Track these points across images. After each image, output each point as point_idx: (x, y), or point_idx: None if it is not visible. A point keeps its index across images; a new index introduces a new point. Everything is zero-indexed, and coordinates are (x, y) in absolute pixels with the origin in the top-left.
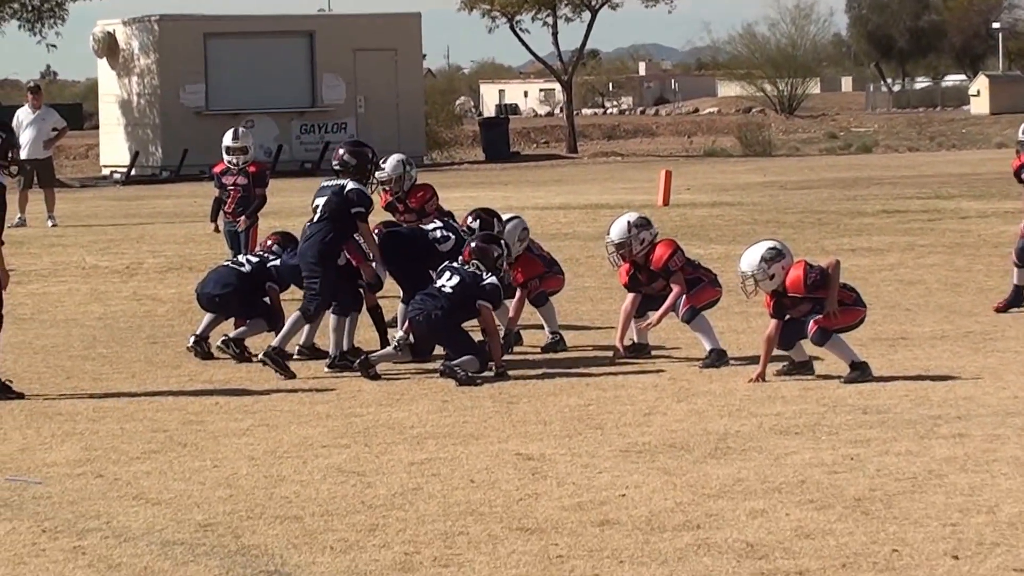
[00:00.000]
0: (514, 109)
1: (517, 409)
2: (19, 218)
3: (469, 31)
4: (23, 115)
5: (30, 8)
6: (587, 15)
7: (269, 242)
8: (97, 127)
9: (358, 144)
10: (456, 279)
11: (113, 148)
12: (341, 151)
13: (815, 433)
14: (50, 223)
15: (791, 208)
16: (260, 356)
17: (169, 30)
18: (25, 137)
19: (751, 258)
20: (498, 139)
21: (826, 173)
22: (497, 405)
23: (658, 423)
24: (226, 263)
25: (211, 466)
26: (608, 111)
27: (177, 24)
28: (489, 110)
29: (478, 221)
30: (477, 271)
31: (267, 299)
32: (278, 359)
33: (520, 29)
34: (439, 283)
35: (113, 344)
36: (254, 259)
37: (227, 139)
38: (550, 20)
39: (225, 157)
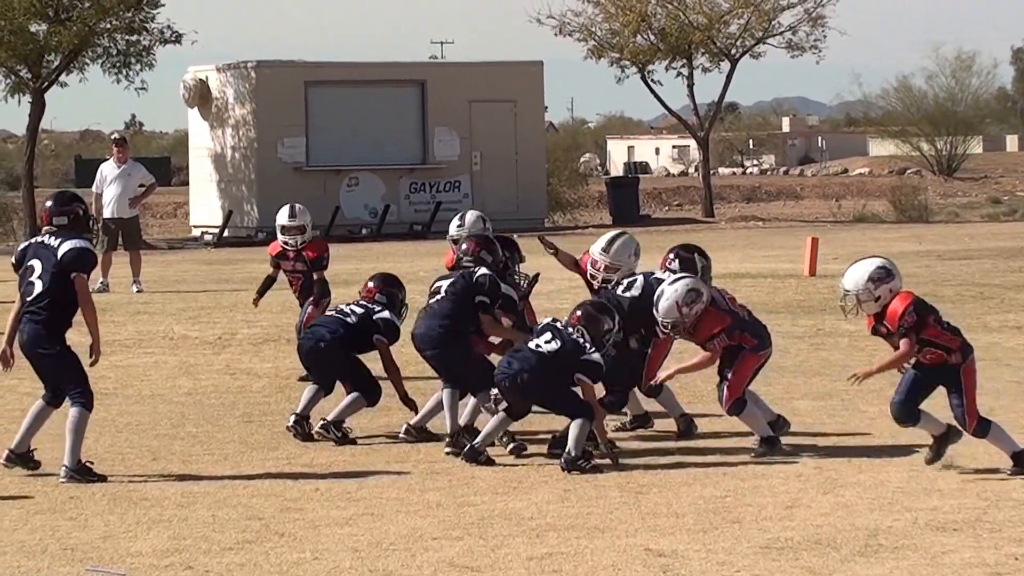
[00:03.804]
0: (644, 167)
1: (646, 500)
2: (101, 283)
3: (595, 81)
4: (107, 170)
5: (115, 52)
6: (726, 65)
7: (371, 286)
8: (186, 183)
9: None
10: (556, 344)
11: (204, 207)
12: (474, 247)
13: (976, 530)
14: (135, 288)
15: (950, 280)
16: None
17: (267, 78)
18: (109, 194)
19: (857, 276)
20: (627, 201)
21: (988, 242)
22: (624, 495)
23: (801, 517)
24: (331, 311)
25: (311, 558)
26: (748, 171)
27: (276, 71)
28: (617, 168)
29: (677, 261)
30: (580, 340)
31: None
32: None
33: (652, 80)
34: (535, 342)
35: (204, 423)
36: (359, 310)
37: (282, 217)
38: (685, 70)
39: (280, 237)
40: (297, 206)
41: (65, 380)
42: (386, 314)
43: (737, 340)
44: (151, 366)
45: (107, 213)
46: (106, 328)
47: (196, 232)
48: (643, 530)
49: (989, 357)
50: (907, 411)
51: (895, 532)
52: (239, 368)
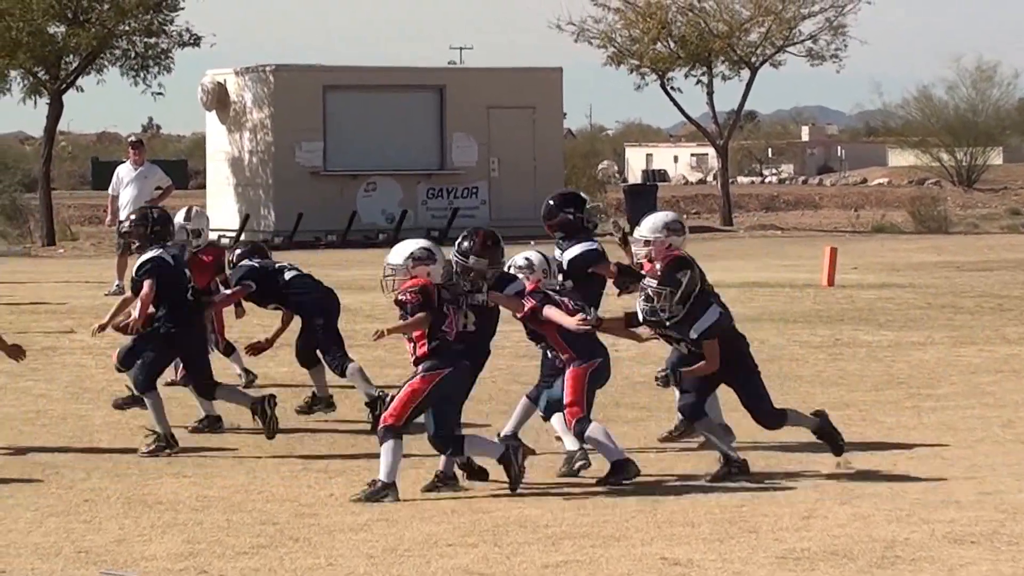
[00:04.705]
0: (662, 175)
1: (662, 508)
2: (117, 285)
3: (614, 88)
4: (123, 172)
5: (133, 55)
6: (746, 73)
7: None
8: (203, 186)
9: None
10: None
11: (221, 210)
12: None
13: (993, 543)
14: None
15: (968, 291)
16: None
17: (285, 81)
18: (125, 196)
19: (402, 252)
20: (645, 208)
21: (1008, 253)
22: (640, 504)
23: (818, 527)
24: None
25: (325, 564)
26: (767, 179)
27: (294, 75)
28: (635, 176)
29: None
30: None
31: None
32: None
33: (671, 87)
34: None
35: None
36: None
37: (179, 219)
38: (705, 78)
39: (177, 238)
40: (194, 209)
41: None
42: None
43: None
44: (166, 370)
45: (123, 215)
46: None
47: (212, 236)
48: (659, 539)
49: (1008, 369)
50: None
51: (912, 544)
52: (254, 372)
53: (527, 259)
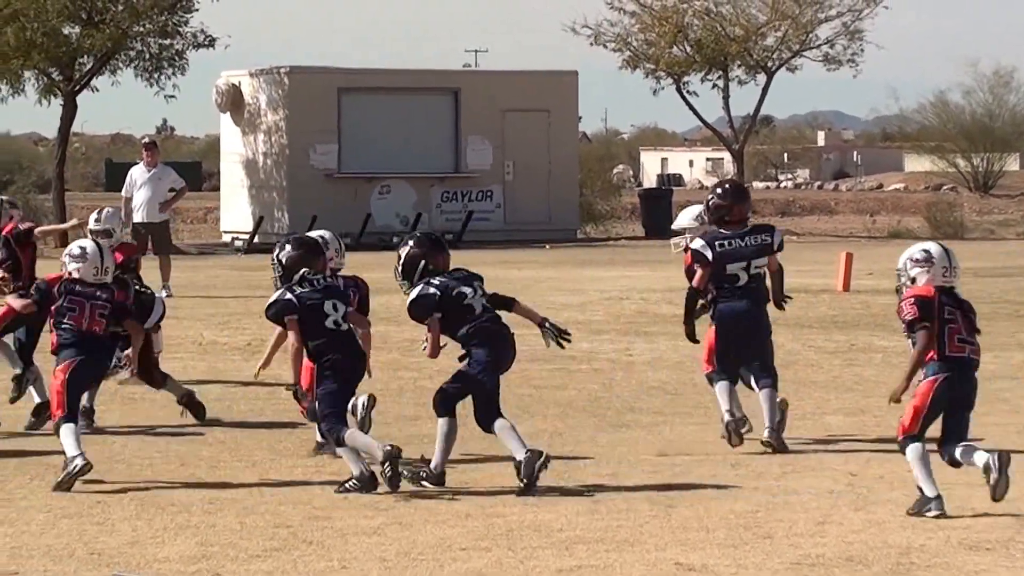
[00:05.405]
0: (678, 180)
1: (676, 513)
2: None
3: (630, 92)
4: (137, 174)
5: (148, 56)
6: (762, 78)
7: None
8: (217, 188)
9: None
10: None
11: (235, 212)
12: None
13: (1009, 550)
14: (164, 293)
15: (985, 297)
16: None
17: (300, 84)
18: (139, 198)
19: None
20: (660, 213)
21: None
22: (654, 508)
23: (833, 534)
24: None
25: (338, 567)
26: (782, 184)
27: (309, 77)
28: (650, 180)
29: None
30: None
31: None
32: None
33: (687, 91)
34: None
35: (232, 429)
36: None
37: (90, 220)
38: (721, 82)
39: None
40: (106, 210)
41: None
42: None
43: None
44: (179, 371)
45: (137, 217)
46: None
47: (227, 237)
48: (673, 544)
49: (1023, 375)
50: None
51: (928, 550)
52: (268, 374)
53: (321, 236)
